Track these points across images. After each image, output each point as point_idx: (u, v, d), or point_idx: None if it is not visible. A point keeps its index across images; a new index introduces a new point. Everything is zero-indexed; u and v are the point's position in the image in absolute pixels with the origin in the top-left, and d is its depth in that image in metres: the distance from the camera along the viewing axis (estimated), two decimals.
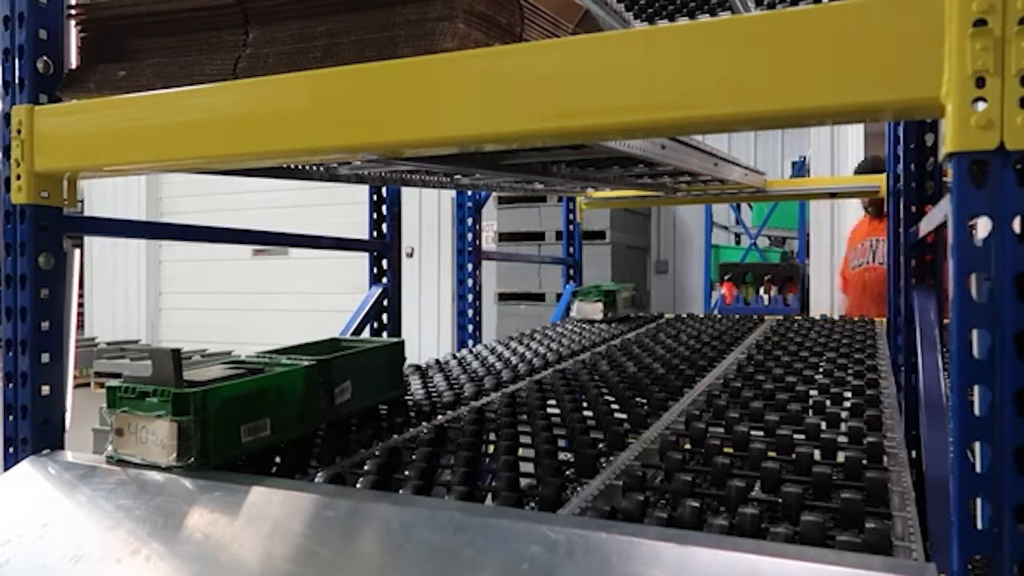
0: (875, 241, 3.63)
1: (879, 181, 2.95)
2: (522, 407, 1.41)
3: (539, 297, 6.36)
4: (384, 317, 2.33)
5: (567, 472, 1.05)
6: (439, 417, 1.39)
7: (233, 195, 8.58)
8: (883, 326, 2.44)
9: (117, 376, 2.10)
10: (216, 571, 0.83)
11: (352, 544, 0.83)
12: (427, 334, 7.87)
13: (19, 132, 1.14)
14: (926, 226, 1.59)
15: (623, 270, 6.59)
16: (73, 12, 1.19)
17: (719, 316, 3.13)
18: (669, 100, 0.77)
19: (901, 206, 1.88)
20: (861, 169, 3.85)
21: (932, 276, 1.74)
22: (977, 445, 0.65)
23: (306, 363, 1.17)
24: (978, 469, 0.64)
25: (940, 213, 1.40)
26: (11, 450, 1.17)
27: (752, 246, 7.22)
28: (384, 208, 2.34)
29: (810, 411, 1.32)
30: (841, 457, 1.04)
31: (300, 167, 1.65)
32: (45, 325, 1.18)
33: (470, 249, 2.81)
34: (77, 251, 1.33)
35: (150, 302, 9.95)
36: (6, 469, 1.12)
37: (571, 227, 3.62)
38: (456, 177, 1.98)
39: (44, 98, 1.19)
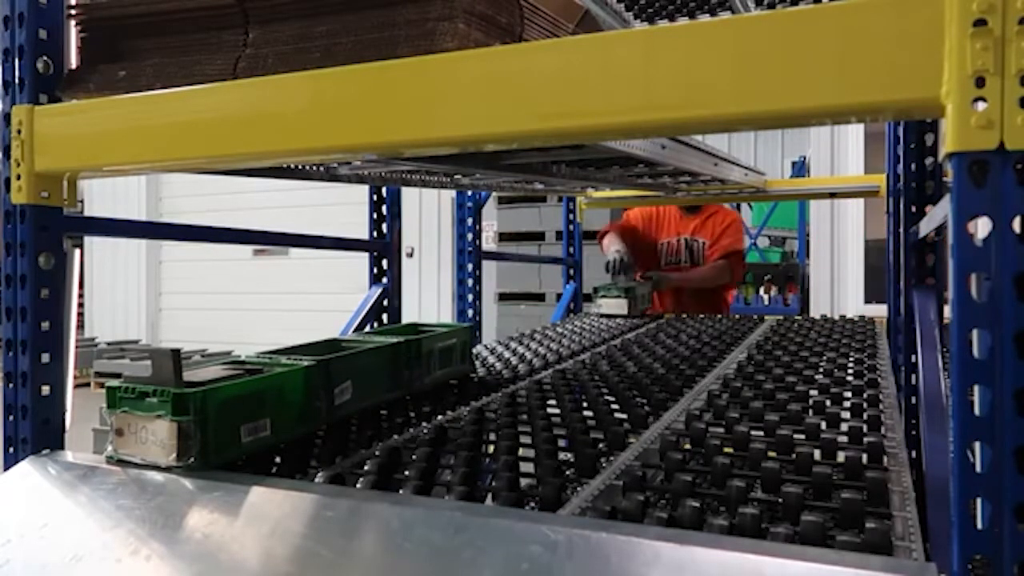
0: (690, 240, 3.48)
1: (879, 181, 2.95)
2: (522, 407, 1.41)
3: (539, 297, 6.35)
4: (384, 317, 2.33)
5: (567, 472, 1.05)
6: (439, 417, 1.39)
7: (233, 195, 8.59)
8: (883, 326, 2.44)
9: (117, 376, 2.10)
10: (216, 571, 0.83)
11: (352, 544, 0.83)
12: None
13: (19, 132, 1.14)
14: (926, 226, 1.59)
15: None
16: (73, 12, 1.19)
17: (719, 316, 3.13)
18: (669, 100, 0.77)
19: (901, 206, 1.88)
20: None
21: (932, 276, 1.74)
22: (977, 445, 0.65)
23: (306, 363, 1.17)
24: (978, 469, 0.64)
25: (940, 213, 1.40)
26: (11, 450, 1.17)
27: (752, 246, 7.22)
28: (384, 208, 2.34)
29: (810, 411, 1.32)
30: (841, 457, 1.04)
31: (300, 167, 1.65)
32: (45, 325, 1.18)
33: (470, 249, 2.81)
34: (77, 251, 1.33)
35: (150, 302, 9.96)
36: (6, 469, 1.12)
37: (571, 227, 3.62)
38: (456, 177, 1.98)
39: (44, 98, 1.19)
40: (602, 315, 2.98)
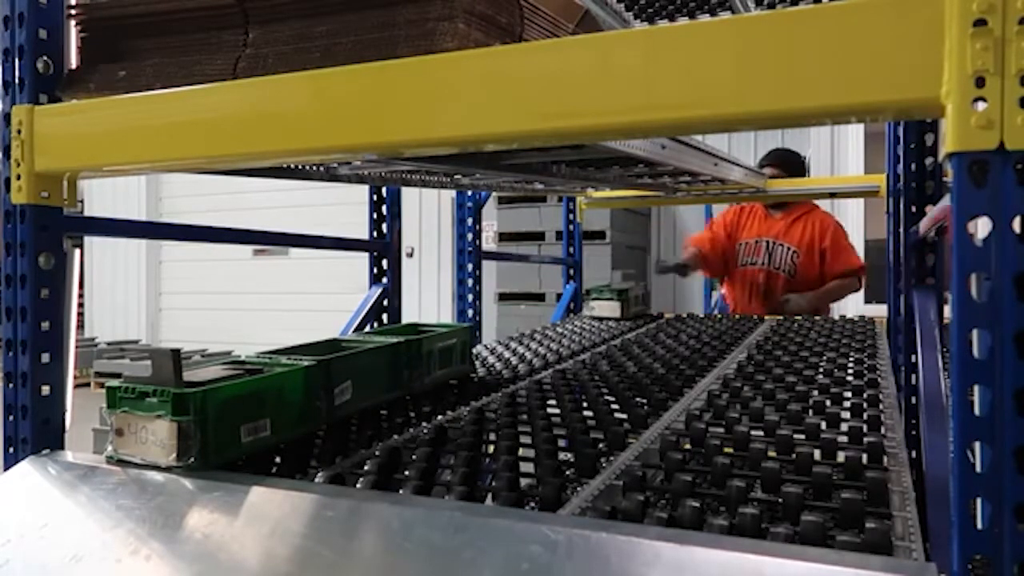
0: (772, 243, 3.46)
1: (879, 181, 2.95)
2: (522, 407, 1.41)
3: (539, 297, 6.36)
4: (384, 317, 2.33)
5: (567, 472, 1.05)
6: (439, 417, 1.39)
7: (233, 195, 8.59)
8: (883, 326, 2.44)
9: (117, 376, 2.10)
10: (216, 571, 0.83)
11: (352, 544, 0.83)
12: None
13: (19, 132, 1.14)
14: (926, 226, 1.59)
15: (623, 270, 6.59)
16: (73, 12, 1.19)
17: (719, 316, 3.13)
18: (669, 100, 0.77)
19: (901, 206, 1.88)
20: (767, 160, 3.58)
21: (932, 276, 1.74)
22: (977, 445, 0.65)
23: (306, 363, 1.17)
24: (978, 469, 0.64)
25: (940, 213, 1.40)
26: (11, 450, 1.17)
27: None
28: (384, 208, 2.34)
29: (810, 411, 1.32)
30: (841, 457, 1.04)
31: (300, 167, 1.65)
32: (45, 325, 1.18)
33: (470, 249, 2.81)
34: (77, 251, 1.33)
35: (150, 302, 9.96)
36: (6, 469, 1.12)
37: (571, 227, 3.62)
38: (456, 177, 1.98)
39: (44, 98, 1.19)
40: (594, 318, 2.92)
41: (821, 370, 1.71)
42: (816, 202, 3.67)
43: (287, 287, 9.02)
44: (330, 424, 1.23)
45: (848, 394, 1.45)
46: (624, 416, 1.33)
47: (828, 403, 1.35)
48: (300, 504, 0.89)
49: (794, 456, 1.04)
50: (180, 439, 0.96)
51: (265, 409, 1.07)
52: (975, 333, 0.65)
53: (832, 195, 3.47)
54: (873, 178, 3.12)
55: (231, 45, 1.08)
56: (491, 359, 2.00)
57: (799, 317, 2.95)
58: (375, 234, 2.34)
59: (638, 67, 0.78)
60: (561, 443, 1.18)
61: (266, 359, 1.21)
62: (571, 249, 3.64)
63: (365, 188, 2.25)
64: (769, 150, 3.69)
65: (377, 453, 1.11)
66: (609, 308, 2.89)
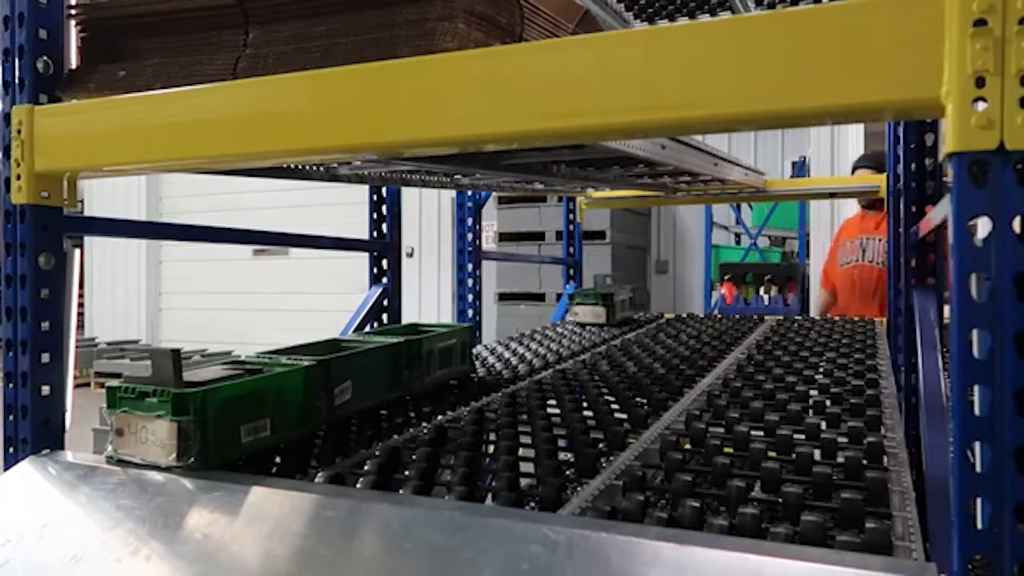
0: (865, 239, 3.53)
1: (879, 181, 2.95)
2: (522, 407, 1.41)
3: (539, 297, 6.36)
4: (384, 317, 2.33)
5: (567, 472, 1.05)
6: (439, 417, 1.39)
7: (233, 195, 8.59)
8: (883, 326, 2.44)
9: (117, 376, 2.10)
10: (216, 571, 0.83)
11: (352, 544, 0.83)
12: None
13: (19, 132, 1.14)
14: (926, 226, 1.59)
15: (623, 270, 6.60)
16: (73, 12, 1.19)
17: (719, 316, 3.13)
18: (669, 100, 0.77)
19: (901, 206, 1.88)
20: (865, 162, 3.70)
21: (932, 276, 1.74)
22: (977, 445, 0.65)
23: (306, 363, 1.17)
24: (978, 469, 0.64)
25: (940, 213, 1.40)
26: (11, 450, 1.17)
27: (752, 246, 7.22)
28: (384, 208, 2.34)
29: (810, 411, 1.32)
30: (841, 457, 1.04)
31: (300, 167, 1.65)
32: (45, 325, 1.18)
33: (470, 249, 2.81)
34: (77, 251, 1.33)
35: (150, 302, 9.95)
36: (6, 469, 1.12)
37: (571, 227, 3.62)
38: (456, 177, 1.98)
39: (44, 98, 1.19)
40: (579, 324, 2.72)
41: (821, 370, 1.71)
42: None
43: (287, 287, 9.01)
44: (330, 424, 1.23)
45: (848, 394, 1.45)
46: (624, 416, 1.33)
47: (828, 403, 1.35)
48: (300, 504, 0.89)
49: (794, 456, 1.04)
50: (180, 439, 0.96)
51: (265, 409, 1.07)
52: (975, 333, 0.65)
53: (832, 195, 3.48)
54: (873, 178, 3.12)
55: (231, 45, 1.08)
56: (491, 359, 2.00)
57: (799, 317, 2.95)
58: (375, 234, 2.34)
59: (638, 67, 0.78)
60: (561, 443, 1.18)
61: (266, 359, 1.21)
62: (571, 249, 3.64)
63: (365, 188, 2.25)
64: (865, 152, 3.80)
65: (377, 453, 1.11)
66: (593, 313, 2.70)
